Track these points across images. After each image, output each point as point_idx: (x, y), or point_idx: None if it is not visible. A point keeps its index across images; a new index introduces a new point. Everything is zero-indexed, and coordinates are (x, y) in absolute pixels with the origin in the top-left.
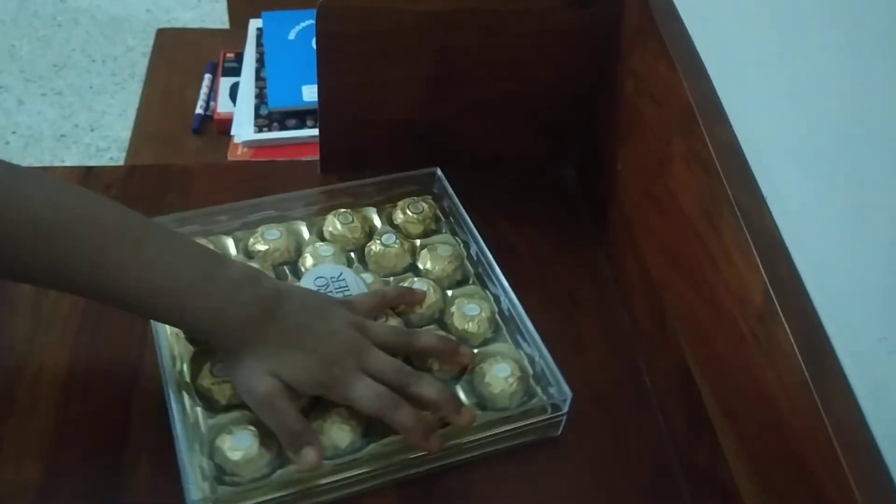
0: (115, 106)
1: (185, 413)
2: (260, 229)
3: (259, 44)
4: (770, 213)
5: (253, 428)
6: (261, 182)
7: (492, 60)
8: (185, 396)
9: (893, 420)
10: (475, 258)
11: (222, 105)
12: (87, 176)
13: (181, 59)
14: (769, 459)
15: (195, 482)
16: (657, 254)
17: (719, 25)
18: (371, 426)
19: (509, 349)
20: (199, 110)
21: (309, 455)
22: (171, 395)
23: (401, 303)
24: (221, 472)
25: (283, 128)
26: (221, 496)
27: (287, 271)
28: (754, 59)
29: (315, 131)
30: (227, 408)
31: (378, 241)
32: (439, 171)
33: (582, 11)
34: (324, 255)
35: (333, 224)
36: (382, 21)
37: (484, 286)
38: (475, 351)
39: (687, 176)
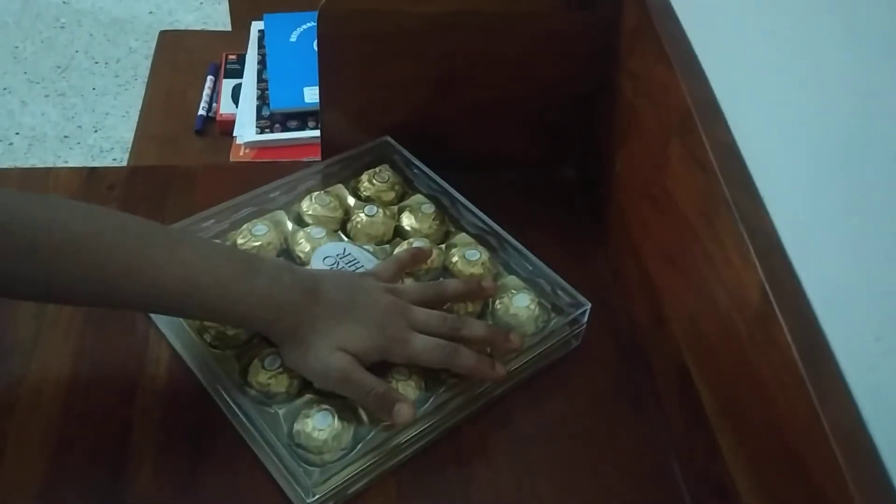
0: (117, 107)
1: (259, 414)
2: (245, 227)
3: (261, 46)
4: (768, 213)
5: (328, 406)
6: (263, 183)
7: (492, 62)
8: (243, 399)
9: (890, 419)
10: (452, 210)
11: (224, 106)
12: (91, 177)
13: (184, 60)
14: (767, 458)
15: (305, 480)
16: (655, 254)
17: (717, 27)
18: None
19: (517, 281)
20: (201, 112)
21: (403, 410)
22: (239, 401)
23: (415, 262)
24: (306, 455)
25: (285, 129)
26: (330, 483)
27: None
28: (752, 60)
29: (316, 132)
30: (287, 397)
31: (362, 213)
32: (389, 139)
33: (581, 14)
34: (318, 237)
35: (312, 207)
36: (383, 23)
37: (470, 233)
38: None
39: (685, 176)
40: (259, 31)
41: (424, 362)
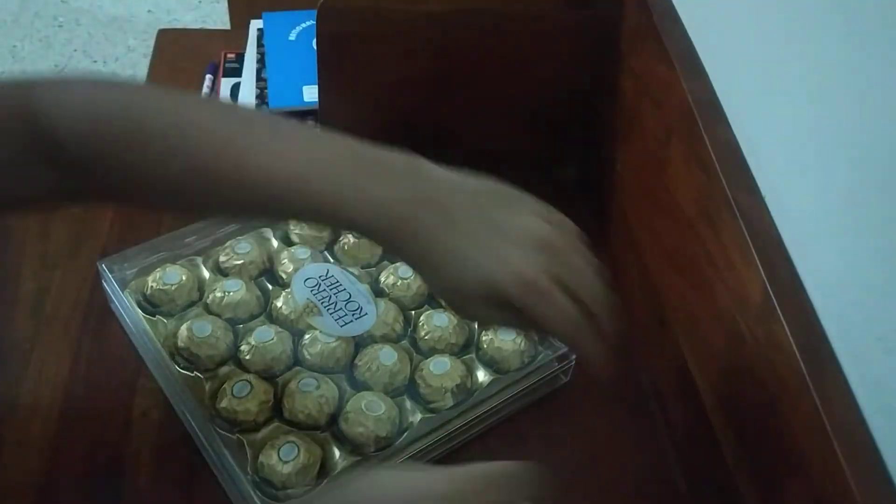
0: None
1: (224, 442)
2: (229, 244)
3: (260, 44)
4: (769, 212)
5: (294, 438)
6: None
7: (492, 60)
8: (208, 425)
9: (891, 418)
10: None
11: None
12: None
13: (182, 59)
14: (767, 458)
15: None
16: (656, 253)
17: (718, 26)
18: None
19: None
20: None
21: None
22: (203, 428)
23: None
24: (271, 490)
25: None
26: None
27: (266, 282)
28: (753, 59)
29: None
30: (254, 426)
31: (349, 235)
32: None
33: (582, 12)
34: (301, 257)
35: (300, 226)
36: (383, 22)
37: None
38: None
39: (686, 175)
40: (258, 29)
41: (549, 327)
